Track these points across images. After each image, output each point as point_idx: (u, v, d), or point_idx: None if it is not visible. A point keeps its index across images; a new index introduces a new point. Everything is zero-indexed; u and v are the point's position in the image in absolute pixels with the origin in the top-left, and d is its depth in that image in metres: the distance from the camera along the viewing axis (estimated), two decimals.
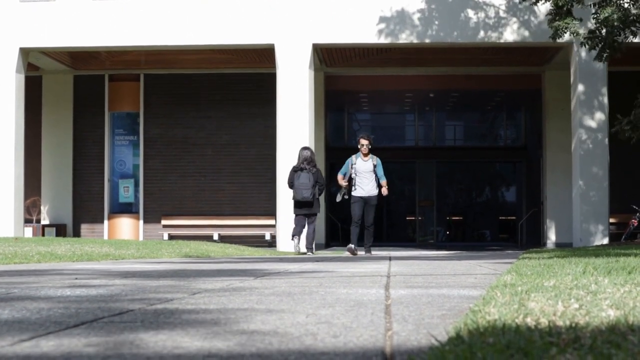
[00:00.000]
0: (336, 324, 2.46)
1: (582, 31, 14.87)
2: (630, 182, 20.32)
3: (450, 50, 18.96)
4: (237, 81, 21.00)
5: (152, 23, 17.67)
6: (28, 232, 19.97)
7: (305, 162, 13.61)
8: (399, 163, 28.71)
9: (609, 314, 2.42)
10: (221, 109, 21.02)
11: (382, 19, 17.42)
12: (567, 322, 2.22)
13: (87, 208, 21.10)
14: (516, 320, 2.27)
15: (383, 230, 30.30)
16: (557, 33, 14.64)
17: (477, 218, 34.19)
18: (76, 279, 5.04)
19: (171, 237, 20.29)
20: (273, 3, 17.56)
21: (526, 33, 17.41)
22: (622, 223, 19.60)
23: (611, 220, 18.23)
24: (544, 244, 20.47)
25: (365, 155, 13.35)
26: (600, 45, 14.58)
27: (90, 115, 21.09)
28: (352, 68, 21.27)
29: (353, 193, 13.31)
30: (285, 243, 16.78)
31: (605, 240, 16.80)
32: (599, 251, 9.02)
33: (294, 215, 14.16)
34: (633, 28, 14.44)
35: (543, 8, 16.41)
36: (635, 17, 14.14)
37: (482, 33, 17.43)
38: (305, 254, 13.26)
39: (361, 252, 13.15)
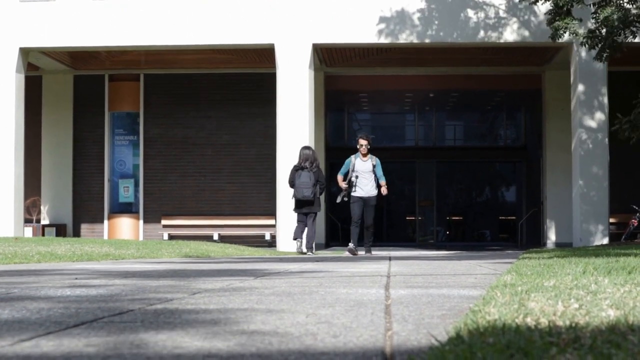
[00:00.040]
0: (336, 324, 2.46)
1: (581, 31, 14.87)
2: (630, 182, 20.33)
3: (450, 50, 18.96)
4: (237, 81, 21.00)
5: (152, 23, 17.67)
6: (28, 232, 19.97)
7: (307, 161, 13.62)
8: (399, 163, 28.71)
9: (609, 314, 2.42)
10: (221, 108, 21.02)
11: (382, 19, 17.42)
12: (567, 322, 2.22)
13: (87, 208, 21.10)
14: (516, 320, 2.27)
15: (383, 230, 30.30)
16: (556, 33, 14.65)
17: (477, 218, 34.19)
18: (76, 279, 5.04)
19: (171, 237, 20.29)
20: (273, 3, 17.56)
21: (526, 33, 17.41)
22: (622, 223, 19.60)
23: (611, 220, 18.23)
24: (544, 244, 20.47)
25: (364, 155, 13.34)
26: (600, 45, 14.58)
27: (90, 115, 21.09)
28: (352, 68, 21.27)
29: (352, 193, 13.31)
30: (285, 243, 16.77)
31: (605, 240, 16.80)
32: (599, 251, 9.02)
33: (294, 214, 14.17)
34: (633, 28, 14.43)
35: (543, 8, 16.40)
36: (635, 17, 14.14)
37: (482, 33, 17.43)
38: (305, 253, 13.27)
39: (361, 252, 13.15)
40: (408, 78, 22.20)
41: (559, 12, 14.69)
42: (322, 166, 14.32)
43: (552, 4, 14.79)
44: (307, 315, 2.74)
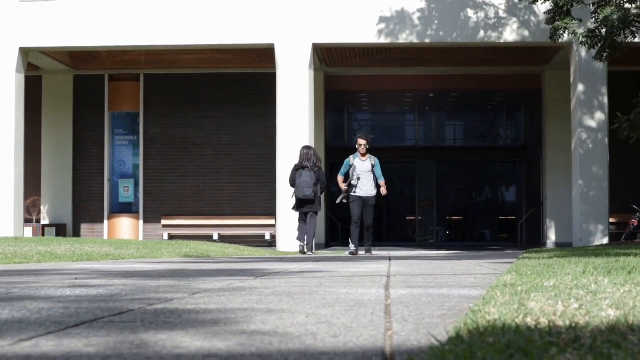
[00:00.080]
0: (336, 324, 2.46)
1: (580, 31, 14.87)
2: (630, 182, 20.33)
3: (450, 50, 18.96)
4: (237, 81, 21.01)
5: (152, 23, 17.68)
6: (28, 232, 19.97)
7: (307, 160, 13.63)
8: (399, 163, 28.72)
9: (609, 314, 2.42)
10: (221, 108, 21.02)
11: (382, 19, 17.42)
12: (567, 322, 2.22)
13: (87, 208, 21.10)
14: (516, 320, 2.27)
15: (383, 230, 30.30)
16: (555, 33, 14.64)
17: (477, 218, 34.19)
18: (76, 279, 5.04)
19: (171, 237, 20.29)
20: (273, 3, 17.56)
21: (526, 33, 17.41)
22: (622, 223, 19.60)
23: (611, 220, 18.23)
24: (544, 244, 20.47)
25: (363, 155, 13.32)
26: (600, 45, 14.58)
27: (90, 115, 21.09)
28: (352, 68, 21.27)
29: (351, 193, 13.30)
30: (285, 243, 16.78)
31: (605, 240, 16.80)
32: (599, 251, 9.02)
33: (294, 214, 14.16)
34: (633, 28, 14.43)
35: (543, 8, 16.40)
36: (635, 17, 14.14)
37: (482, 33, 17.43)
38: (305, 253, 13.27)
39: (361, 252, 13.15)
40: (408, 78, 22.20)
41: (558, 12, 14.68)
42: (322, 166, 14.31)
43: (552, 4, 14.79)
44: (307, 315, 2.74)
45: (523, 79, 21.94)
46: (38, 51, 18.73)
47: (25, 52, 17.99)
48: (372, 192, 13.26)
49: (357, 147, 13.35)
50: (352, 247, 13.02)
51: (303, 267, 6.99)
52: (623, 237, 18.54)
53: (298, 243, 13.77)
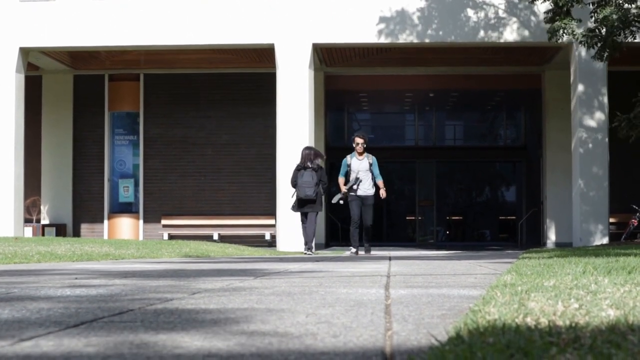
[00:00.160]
0: (336, 324, 2.46)
1: (579, 31, 14.86)
2: (630, 182, 20.33)
3: (450, 50, 18.96)
4: (237, 81, 21.01)
5: (152, 23, 17.68)
6: (28, 232, 19.97)
7: (308, 161, 13.64)
8: (399, 163, 28.72)
9: (609, 313, 2.42)
10: (221, 108, 21.02)
11: (382, 19, 17.42)
12: (567, 322, 2.22)
13: (87, 208, 21.10)
14: (516, 320, 2.27)
15: (383, 230, 30.30)
16: (554, 34, 14.62)
17: (477, 218, 34.18)
18: (76, 278, 5.04)
19: (171, 237, 20.29)
20: (273, 3, 17.56)
21: (526, 33, 17.41)
22: (622, 223, 19.60)
23: (611, 220, 18.23)
24: (544, 244, 20.47)
25: (360, 154, 13.32)
26: (599, 45, 14.57)
27: (90, 115, 21.09)
28: (352, 68, 21.27)
29: (350, 192, 13.30)
30: (285, 243, 16.78)
31: (605, 240, 16.80)
32: (599, 251, 9.02)
33: (294, 214, 14.15)
34: (633, 28, 14.43)
35: (542, 7, 16.40)
36: (634, 17, 14.13)
37: (481, 33, 17.43)
38: (305, 253, 13.28)
39: (361, 252, 13.16)
40: (408, 78, 22.21)
41: (558, 12, 14.68)
42: (323, 165, 14.32)
43: (552, 4, 14.78)
44: (307, 315, 2.74)
45: (523, 78, 21.94)
46: (38, 51, 18.73)
47: (25, 52, 17.99)
48: (370, 191, 13.25)
49: (354, 145, 13.36)
50: (353, 250, 13.04)
51: (303, 267, 6.99)
52: (623, 237, 18.54)
53: (304, 246, 13.74)
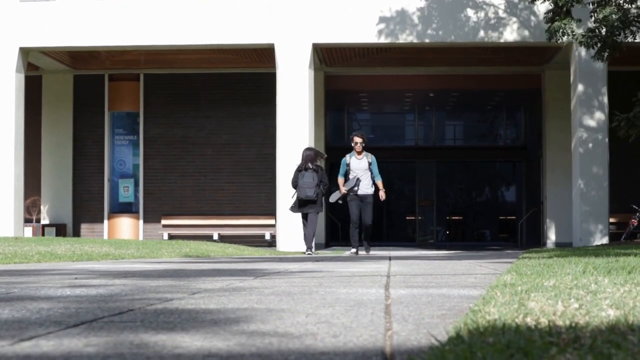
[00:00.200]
0: (336, 324, 2.46)
1: (579, 31, 14.86)
2: (630, 182, 20.33)
3: (450, 50, 18.96)
4: (237, 81, 21.01)
5: (152, 23, 17.68)
6: (28, 231, 19.97)
7: (309, 162, 13.65)
8: (399, 163, 28.71)
9: (609, 313, 2.42)
10: (221, 108, 21.02)
11: (382, 19, 17.42)
12: (567, 322, 2.22)
13: (87, 208, 21.10)
14: (516, 320, 2.27)
15: (383, 230, 30.30)
16: (554, 34, 14.61)
17: (477, 218, 34.18)
18: (76, 278, 5.04)
19: (171, 237, 20.29)
20: (273, 3, 17.56)
21: (526, 33, 17.41)
22: (622, 223, 19.60)
23: (611, 220, 18.23)
24: (544, 244, 20.47)
25: (359, 153, 13.32)
26: (599, 45, 14.57)
27: (90, 115, 21.09)
28: (352, 68, 21.27)
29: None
30: (285, 243, 16.78)
31: (605, 240, 16.80)
32: (599, 251, 9.02)
33: (294, 214, 14.14)
34: (633, 28, 14.42)
35: (542, 7, 16.40)
36: (634, 17, 14.13)
37: (481, 33, 17.43)
38: (305, 253, 13.28)
39: (361, 252, 13.16)
40: (408, 78, 22.20)
41: (558, 12, 14.67)
42: (323, 165, 14.33)
43: (552, 4, 14.78)
44: (307, 315, 2.74)
45: (523, 78, 21.94)
46: (38, 51, 18.73)
47: (25, 52, 17.99)
48: (370, 190, 13.25)
49: (353, 144, 13.37)
50: (353, 250, 13.04)
51: (303, 267, 6.99)
52: (623, 237, 18.54)
53: (305, 247, 13.74)
